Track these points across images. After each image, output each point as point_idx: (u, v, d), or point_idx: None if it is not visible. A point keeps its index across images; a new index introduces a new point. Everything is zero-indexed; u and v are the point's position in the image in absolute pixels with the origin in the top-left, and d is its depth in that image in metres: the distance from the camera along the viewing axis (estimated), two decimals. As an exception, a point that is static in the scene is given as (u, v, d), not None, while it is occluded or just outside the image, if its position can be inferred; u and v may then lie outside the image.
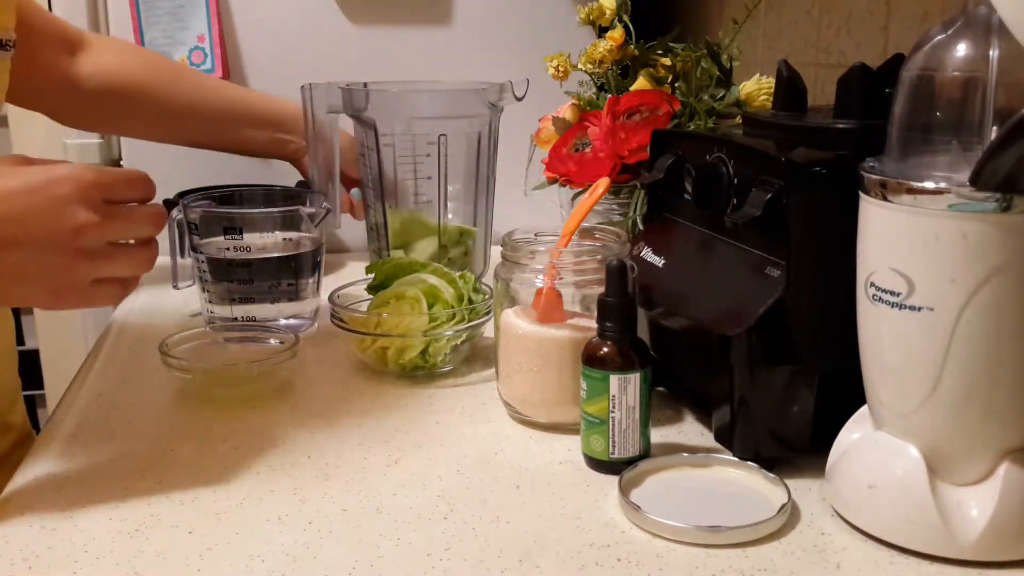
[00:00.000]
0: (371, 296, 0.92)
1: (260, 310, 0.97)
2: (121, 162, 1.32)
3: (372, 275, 0.94)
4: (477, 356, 0.92)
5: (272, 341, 0.91)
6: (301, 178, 1.25)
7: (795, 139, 0.70)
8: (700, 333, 0.72)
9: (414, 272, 0.91)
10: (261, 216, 0.98)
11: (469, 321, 0.87)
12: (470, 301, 0.88)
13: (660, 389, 0.81)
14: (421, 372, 0.87)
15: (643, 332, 0.71)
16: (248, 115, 1.16)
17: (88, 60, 1.07)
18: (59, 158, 1.37)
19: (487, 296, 0.90)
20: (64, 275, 0.64)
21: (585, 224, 0.79)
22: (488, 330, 0.86)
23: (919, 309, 0.55)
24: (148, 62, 1.13)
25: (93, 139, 1.36)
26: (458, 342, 0.87)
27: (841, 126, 0.67)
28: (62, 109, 1.10)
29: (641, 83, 1.04)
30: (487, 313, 0.88)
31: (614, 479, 0.67)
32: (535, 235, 0.81)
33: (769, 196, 0.66)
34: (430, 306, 0.87)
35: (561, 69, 1.08)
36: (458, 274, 0.91)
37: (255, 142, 1.17)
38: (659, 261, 0.80)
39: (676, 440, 0.75)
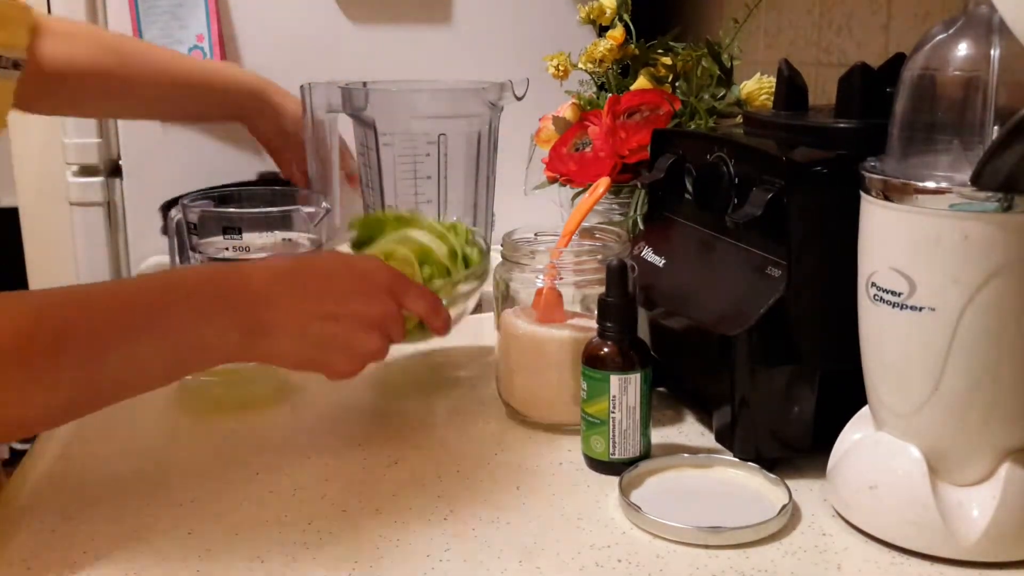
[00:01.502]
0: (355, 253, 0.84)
1: (260, 310, 0.96)
2: (120, 162, 1.32)
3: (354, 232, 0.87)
4: (477, 355, 0.91)
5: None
6: (264, 170, 1.25)
7: (796, 139, 0.70)
8: (701, 333, 0.71)
9: (401, 228, 0.84)
10: (260, 216, 0.97)
11: (468, 283, 0.81)
12: (464, 259, 0.82)
13: (661, 389, 0.81)
14: (418, 337, 0.79)
15: (644, 332, 0.71)
16: (196, 84, 1.16)
17: (44, 44, 1.05)
18: (58, 158, 1.38)
19: (483, 248, 0.84)
20: (365, 349, 0.71)
21: (585, 224, 0.79)
22: (489, 328, 0.86)
23: (920, 309, 0.55)
24: (96, 43, 1.12)
25: (92, 139, 1.35)
26: (460, 306, 0.81)
27: (842, 125, 0.67)
28: (24, 94, 1.09)
29: (641, 82, 1.03)
30: (485, 272, 0.83)
31: (614, 480, 0.66)
32: (535, 235, 0.80)
33: (770, 196, 0.66)
34: (421, 265, 0.80)
35: (561, 68, 1.07)
36: (448, 223, 0.84)
37: (207, 111, 1.18)
38: (660, 261, 0.80)
39: (677, 440, 0.74)
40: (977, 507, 0.57)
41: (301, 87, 1.10)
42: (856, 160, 0.60)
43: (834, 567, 0.58)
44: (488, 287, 0.83)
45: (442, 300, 0.77)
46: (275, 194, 1.03)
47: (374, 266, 0.73)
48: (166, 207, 1.23)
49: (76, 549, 0.60)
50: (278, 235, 0.98)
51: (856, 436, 0.63)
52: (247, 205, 1.01)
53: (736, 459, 0.68)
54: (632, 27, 1.07)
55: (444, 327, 0.76)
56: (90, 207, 1.37)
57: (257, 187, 1.05)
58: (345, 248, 0.87)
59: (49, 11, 1.31)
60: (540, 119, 1.08)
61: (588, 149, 1.00)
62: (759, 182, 0.67)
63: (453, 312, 0.80)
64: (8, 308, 0.59)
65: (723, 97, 1.01)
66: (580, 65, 1.07)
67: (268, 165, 1.29)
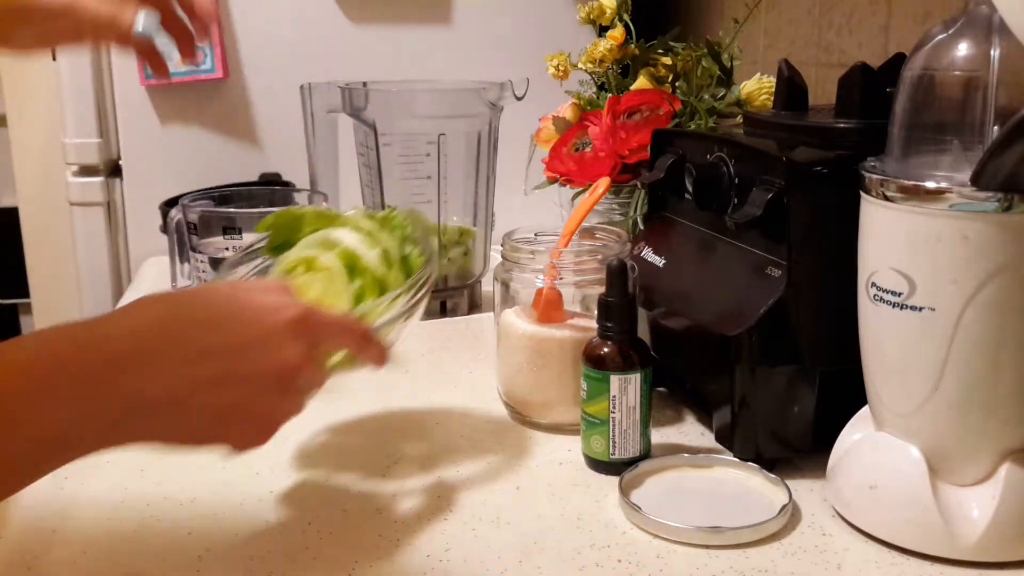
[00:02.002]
0: (271, 260, 0.72)
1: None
2: (120, 162, 1.32)
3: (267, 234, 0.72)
4: (476, 355, 0.91)
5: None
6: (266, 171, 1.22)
7: (796, 139, 0.70)
8: (701, 333, 0.71)
9: (321, 225, 0.69)
10: (260, 216, 0.97)
11: (410, 295, 0.65)
12: (403, 262, 0.67)
13: (661, 389, 0.81)
14: (348, 368, 0.64)
15: (644, 332, 0.71)
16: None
17: None
18: (58, 158, 1.38)
19: (427, 246, 0.68)
20: (274, 412, 0.56)
21: (585, 224, 0.79)
22: (489, 328, 0.86)
23: (920, 309, 0.55)
24: None
25: (92, 139, 1.36)
26: (401, 324, 0.65)
27: (842, 126, 0.67)
28: None
29: (641, 82, 1.03)
30: (430, 279, 0.66)
31: (614, 480, 0.66)
32: (535, 235, 0.80)
33: (770, 196, 0.66)
34: (349, 273, 0.66)
35: (561, 68, 1.08)
36: (381, 214, 0.69)
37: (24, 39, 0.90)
38: (659, 261, 0.80)
39: (677, 440, 0.74)
40: (977, 507, 0.57)
41: (301, 87, 1.10)
42: (856, 160, 0.60)
43: (834, 567, 0.58)
44: (488, 286, 0.82)
45: (376, 322, 0.62)
46: (275, 194, 1.04)
47: (274, 303, 0.56)
48: (166, 206, 1.23)
49: (76, 549, 0.60)
50: (278, 235, 0.98)
51: (856, 436, 0.63)
52: (247, 205, 1.01)
53: (736, 459, 0.68)
54: (632, 27, 1.07)
55: (380, 359, 0.61)
56: (90, 207, 1.37)
57: (257, 187, 1.06)
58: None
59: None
60: (540, 119, 1.08)
61: (588, 149, 1.00)
62: (759, 182, 0.67)
63: (393, 334, 0.64)
64: None
65: (723, 97, 1.01)
66: (580, 65, 1.07)
67: (269, 165, 1.30)
